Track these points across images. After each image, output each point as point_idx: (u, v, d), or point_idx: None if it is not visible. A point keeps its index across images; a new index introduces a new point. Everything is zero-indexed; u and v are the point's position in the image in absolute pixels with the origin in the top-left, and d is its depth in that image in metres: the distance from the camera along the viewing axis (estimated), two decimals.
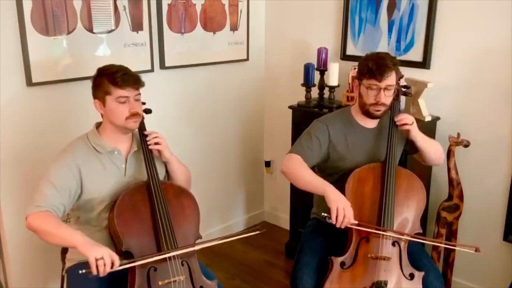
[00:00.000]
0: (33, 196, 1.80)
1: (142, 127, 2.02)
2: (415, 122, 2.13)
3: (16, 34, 2.25)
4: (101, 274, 1.63)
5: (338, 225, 1.90)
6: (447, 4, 2.61)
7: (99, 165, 1.90)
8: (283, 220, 3.61)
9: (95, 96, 1.91)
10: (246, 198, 3.71)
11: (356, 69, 2.17)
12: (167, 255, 1.78)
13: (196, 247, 1.88)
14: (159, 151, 2.00)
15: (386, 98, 2.04)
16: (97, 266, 1.61)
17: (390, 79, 2.02)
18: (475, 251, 1.95)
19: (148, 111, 2.10)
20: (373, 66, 2.00)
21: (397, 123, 2.10)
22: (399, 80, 2.16)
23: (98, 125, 1.98)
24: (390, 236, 1.96)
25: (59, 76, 2.43)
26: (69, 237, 1.70)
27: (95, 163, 1.90)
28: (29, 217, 1.75)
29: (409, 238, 1.99)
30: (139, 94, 1.91)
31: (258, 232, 1.91)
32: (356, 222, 1.93)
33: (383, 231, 1.95)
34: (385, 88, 2.02)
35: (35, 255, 2.49)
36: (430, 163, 2.24)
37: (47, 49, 2.36)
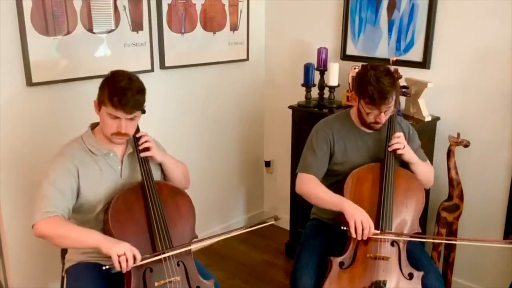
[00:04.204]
0: (37, 201, 1.79)
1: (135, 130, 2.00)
2: (407, 146, 2.10)
3: (16, 34, 2.25)
4: (124, 270, 1.65)
5: (359, 238, 1.91)
6: (447, 4, 2.61)
7: (95, 167, 1.90)
8: (283, 220, 3.59)
9: (97, 96, 1.89)
10: (246, 198, 3.71)
11: (355, 77, 2.11)
12: (160, 256, 1.77)
13: (192, 246, 1.88)
14: (150, 156, 1.98)
15: (386, 116, 2.03)
16: (120, 262, 1.64)
17: (391, 102, 1.99)
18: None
19: (142, 111, 2.07)
20: (374, 94, 1.94)
21: (389, 149, 2.07)
22: (398, 82, 2.15)
23: (94, 126, 1.98)
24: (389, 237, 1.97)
25: (59, 76, 2.43)
26: (88, 237, 1.72)
27: (91, 165, 1.89)
28: (38, 224, 1.74)
29: (408, 238, 1.99)
30: (135, 116, 1.86)
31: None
32: (378, 231, 1.92)
33: (386, 235, 1.95)
34: (386, 110, 2.00)
35: (35, 255, 2.50)
36: None
37: (47, 49, 2.36)
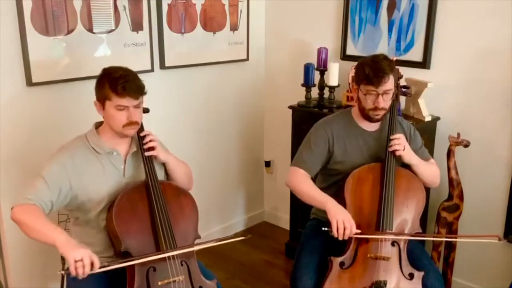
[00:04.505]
0: (25, 187, 1.81)
1: (140, 127, 2.01)
2: (407, 147, 2.10)
3: (16, 34, 2.25)
4: (80, 276, 1.60)
5: (340, 238, 1.91)
6: (447, 4, 2.61)
7: (98, 166, 1.90)
8: (283, 220, 3.61)
9: (96, 97, 1.89)
10: (246, 198, 3.71)
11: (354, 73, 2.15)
12: (161, 256, 1.77)
13: (195, 248, 1.88)
14: (154, 156, 1.98)
15: (385, 102, 2.03)
16: (76, 268, 1.59)
17: (388, 84, 2.00)
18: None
19: (145, 110, 2.06)
20: (370, 73, 1.97)
21: (389, 149, 2.07)
22: (398, 80, 2.15)
23: (98, 125, 1.98)
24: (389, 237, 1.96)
25: (59, 76, 2.43)
26: (52, 235, 1.66)
27: (93, 163, 1.89)
28: (15, 208, 1.75)
29: (409, 237, 1.99)
30: (140, 102, 1.88)
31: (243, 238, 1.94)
32: (359, 231, 1.93)
33: (383, 234, 1.95)
34: (384, 93, 2.01)
35: (35, 255, 2.49)
36: (424, 184, 2.17)
37: (47, 49, 2.36)
